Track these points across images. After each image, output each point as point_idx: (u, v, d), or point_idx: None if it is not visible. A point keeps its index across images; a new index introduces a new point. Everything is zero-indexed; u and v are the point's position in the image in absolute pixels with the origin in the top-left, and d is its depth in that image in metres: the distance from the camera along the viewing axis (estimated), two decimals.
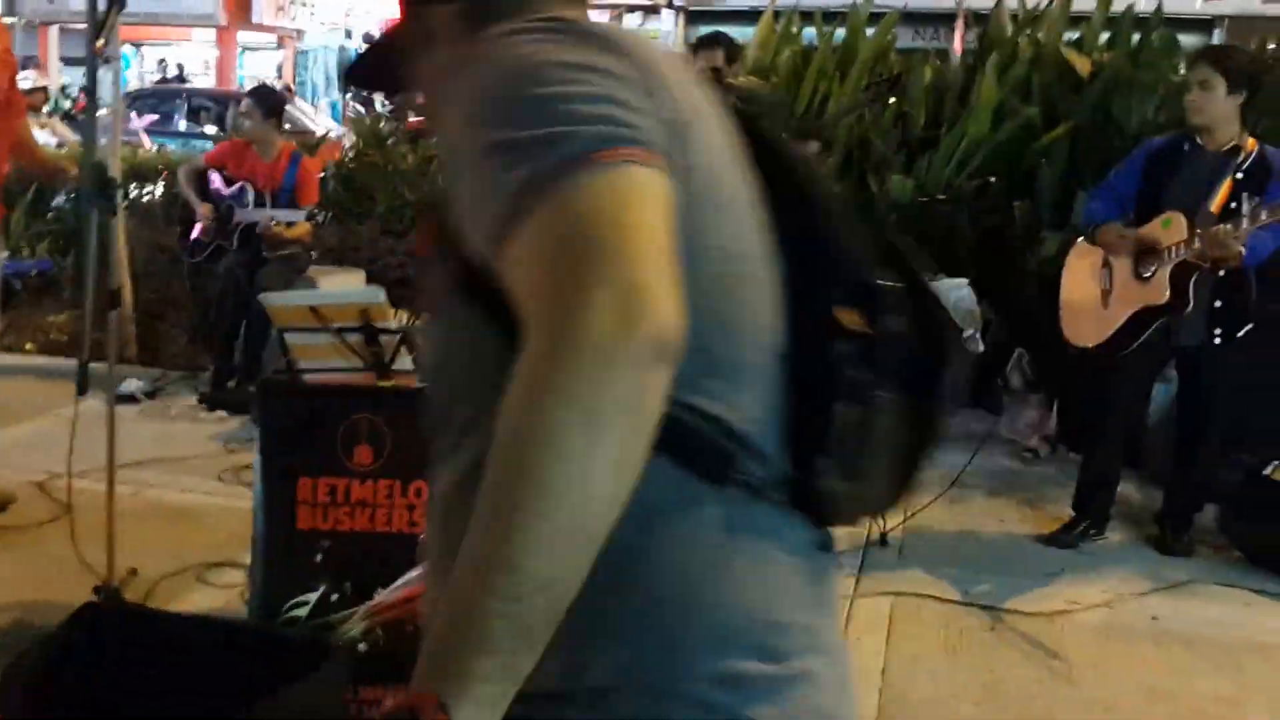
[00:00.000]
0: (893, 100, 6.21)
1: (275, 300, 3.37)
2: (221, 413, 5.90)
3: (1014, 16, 7.12)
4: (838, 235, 1.14)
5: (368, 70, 1.34)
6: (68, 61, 22.64)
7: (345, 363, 3.27)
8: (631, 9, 19.21)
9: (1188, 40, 8.13)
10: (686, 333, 0.90)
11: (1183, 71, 5.78)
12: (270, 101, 6.55)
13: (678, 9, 18.37)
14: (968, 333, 5.55)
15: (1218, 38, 12.65)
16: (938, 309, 1.16)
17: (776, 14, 8.44)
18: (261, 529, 3.16)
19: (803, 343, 1.09)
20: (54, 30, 23.16)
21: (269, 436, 3.20)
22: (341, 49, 23.67)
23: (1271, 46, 7.85)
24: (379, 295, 3.27)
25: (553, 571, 0.87)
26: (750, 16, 15.43)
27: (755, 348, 1.08)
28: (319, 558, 3.09)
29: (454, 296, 1.07)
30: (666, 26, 18.60)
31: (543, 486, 0.86)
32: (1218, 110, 4.12)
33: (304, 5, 23.32)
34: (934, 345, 1.14)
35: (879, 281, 1.12)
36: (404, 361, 3.25)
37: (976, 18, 8.10)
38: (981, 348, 5.39)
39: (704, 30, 16.99)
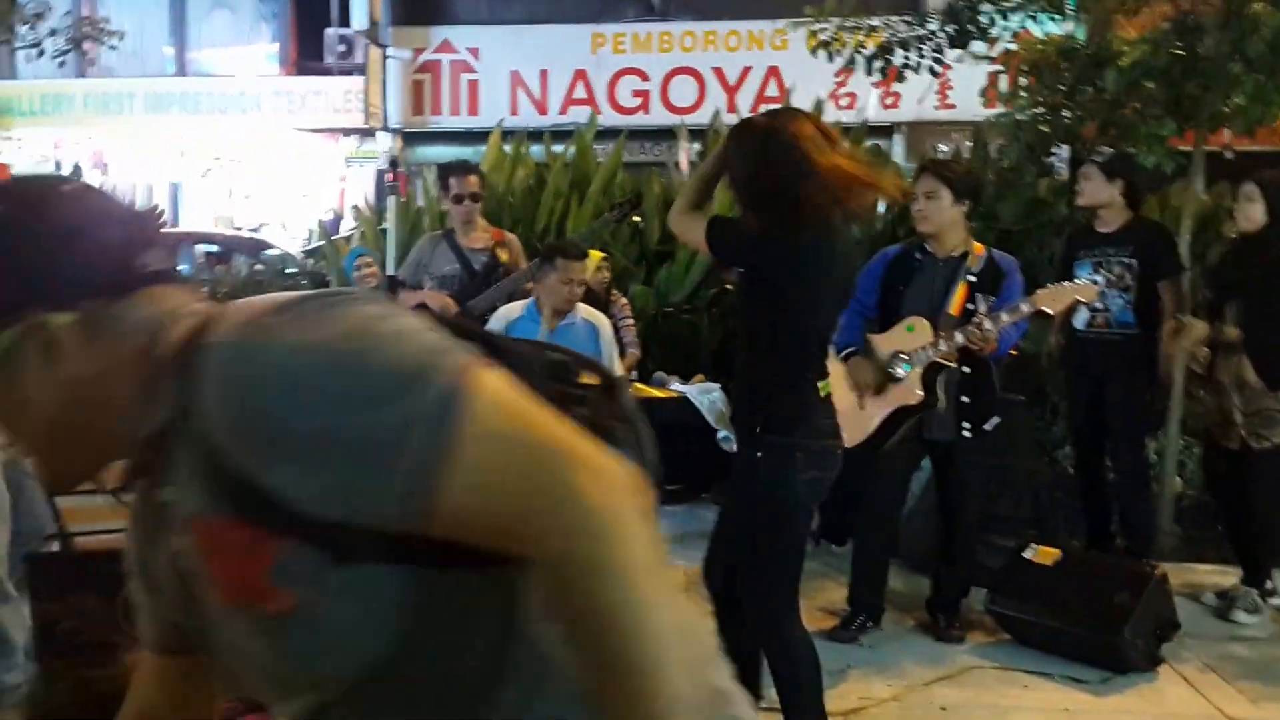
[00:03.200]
0: (636, 218, 6.11)
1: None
2: None
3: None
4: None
5: None
6: None
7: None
8: (347, 132, 18.73)
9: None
10: None
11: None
12: None
13: (394, 130, 18.02)
14: (721, 434, 5.45)
15: (898, 143, 13.40)
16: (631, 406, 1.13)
17: (505, 134, 8.29)
18: None
19: None
20: None
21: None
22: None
23: (943, 148, 8.31)
24: None
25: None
26: (466, 137, 15.35)
27: None
28: None
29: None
30: (382, 147, 18.20)
31: (656, 647, 0.92)
32: (945, 218, 4.17)
33: (10, 139, 21.58)
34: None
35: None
36: None
37: (694, 133, 8.21)
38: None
39: (422, 151, 16.78)
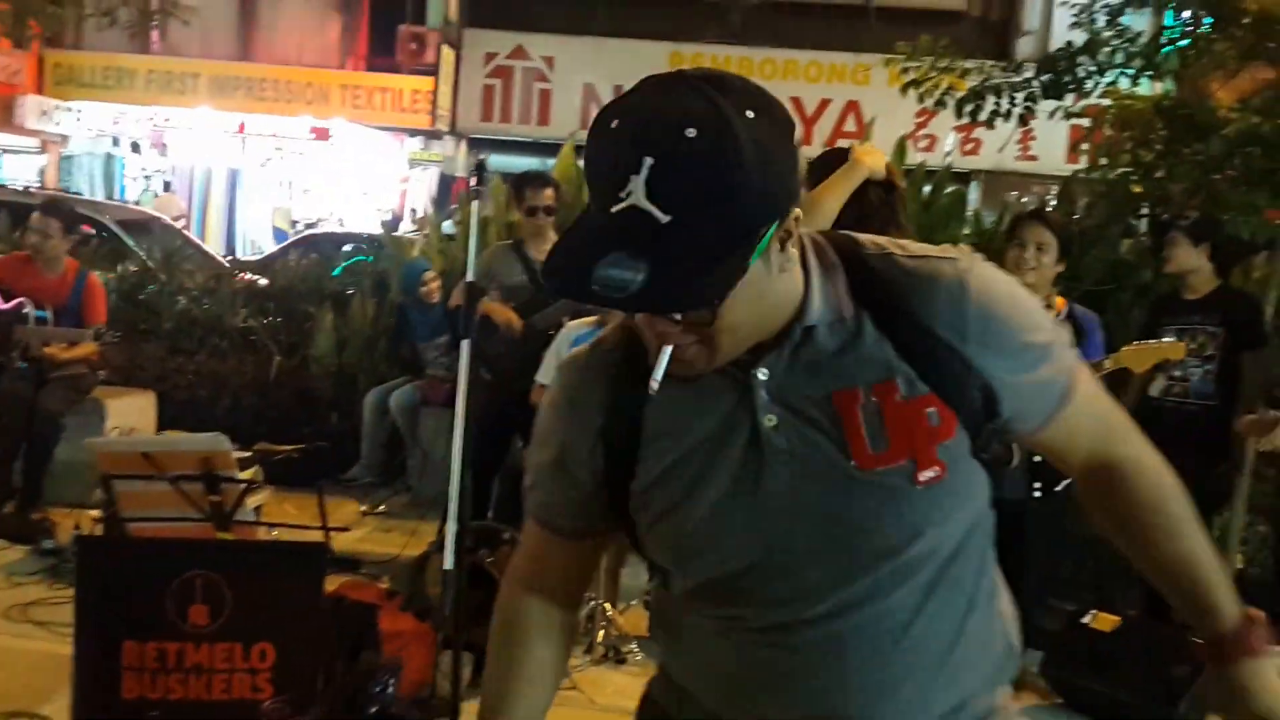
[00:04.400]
0: None
1: (104, 444, 2.97)
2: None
3: (809, 163, 7.32)
4: None
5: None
6: None
7: (179, 513, 2.91)
8: (413, 132, 19.03)
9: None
10: None
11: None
12: (68, 216, 6.06)
13: (459, 135, 18.28)
14: None
15: (974, 190, 13.48)
16: None
17: (578, 148, 8.45)
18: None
19: None
20: None
21: (86, 595, 2.80)
22: (108, 156, 22.51)
23: (1024, 199, 8.37)
24: (223, 443, 2.93)
25: None
26: (533, 147, 15.59)
27: None
28: None
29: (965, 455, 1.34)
30: (448, 151, 18.47)
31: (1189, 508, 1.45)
32: (1048, 271, 4.21)
33: (69, 111, 22.10)
34: None
35: None
36: (246, 513, 2.92)
37: None
38: None
39: (486, 157, 17.02)
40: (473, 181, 4.00)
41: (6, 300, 5.85)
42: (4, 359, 5.75)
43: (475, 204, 4.08)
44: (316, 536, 3.24)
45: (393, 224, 15.98)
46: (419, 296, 6.86)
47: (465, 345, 3.51)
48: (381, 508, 6.53)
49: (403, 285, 7.12)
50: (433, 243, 8.09)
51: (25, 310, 5.80)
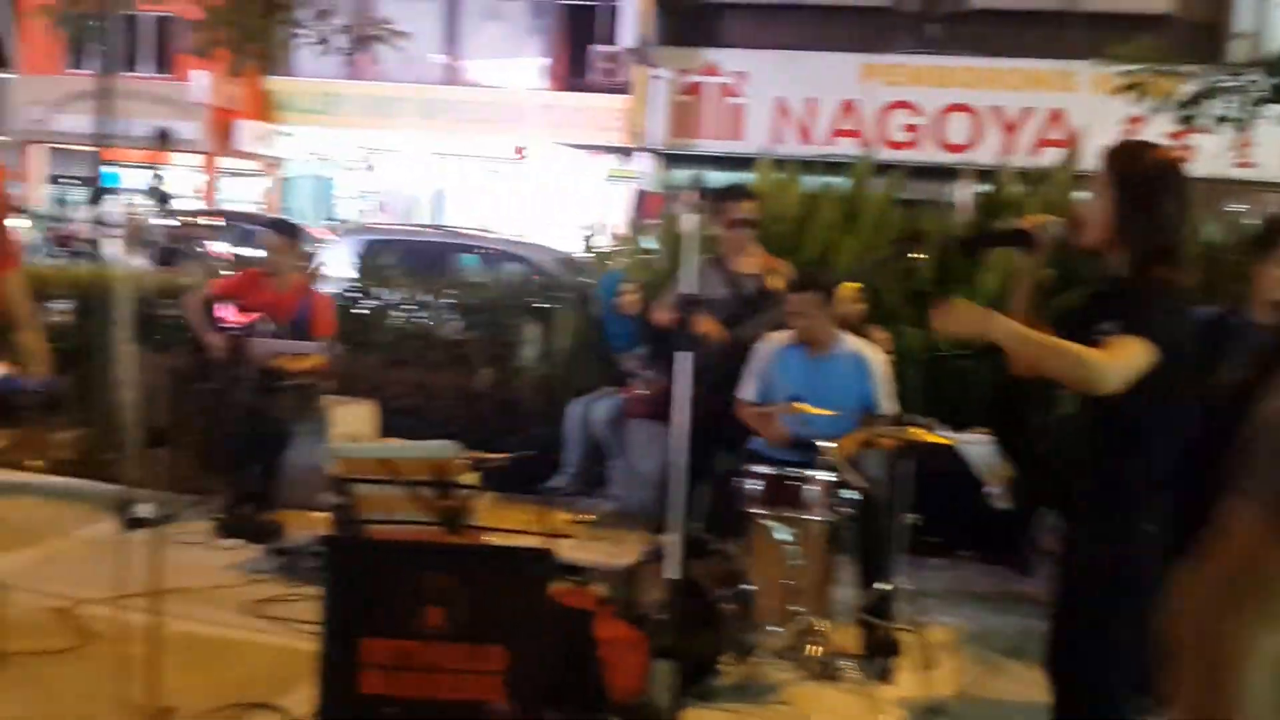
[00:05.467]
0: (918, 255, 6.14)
1: (345, 450, 3.13)
2: (236, 541, 5.61)
3: (1022, 173, 7.14)
4: None
5: None
6: (56, 180, 22.43)
7: (414, 516, 3.04)
8: (608, 149, 19.36)
9: None
10: None
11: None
12: (293, 234, 6.42)
13: (653, 151, 18.50)
14: (992, 489, 5.38)
15: None
16: None
17: (778, 162, 8.45)
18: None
19: None
20: (43, 148, 22.98)
21: (331, 591, 2.94)
22: (318, 178, 23.65)
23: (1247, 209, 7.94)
24: (452, 450, 3.05)
25: None
26: (726, 162, 15.64)
27: None
28: None
29: None
30: (642, 167, 18.72)
31: None
32: None
33: (284, 135, 23.32)
34: None
35: None
36: (477, 518, 3.03)
37: (980, 174, 8.15)
38: (1007, 505, 5.22)
39: (680, 174, 17.15)
40: (683, 197, 4.03)
41: (241, 314, 6.21)
42: (239, 370, 6.10)
43: (689, 218, 4.12)
44: (536, 543, 3.32)
45: (590, 239, 16.24)
46: (616, 308, 6.96)
47: (681, 358, 3.55)
48: (589, 516, 6.64)
49: (601, 297, 7.23)
50: (631, 257, 8.21)
51: (258, 324, 6.14)
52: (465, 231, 14.47)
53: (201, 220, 16.88)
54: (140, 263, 7.16)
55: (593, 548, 5.89)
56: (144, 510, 5.73)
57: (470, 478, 3.21)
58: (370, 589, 2.85)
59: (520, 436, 7.12)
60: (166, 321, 7.69)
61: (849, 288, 5.71)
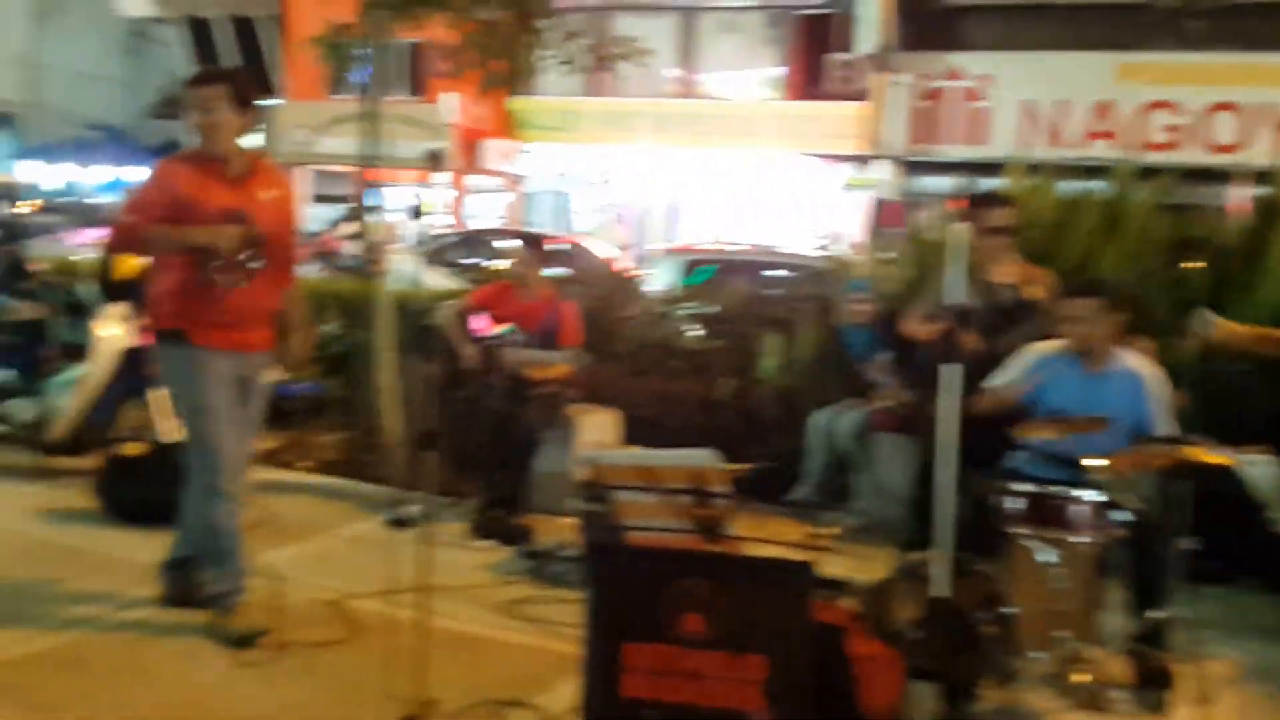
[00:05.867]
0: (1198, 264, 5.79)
1: (605, 457, 3.18)
2: (488, 542, 5.80)
3: None
4: None
5: None
6: (319, 199, 23.86)
7: (672, 524, 3.05)
8: (846, 158, 19.14)
9: None
10: None
11: None
12: (541, 247, 6.62)
13: (892, 159, 18.17)
14: (1275, 513, 5.01)
15: None
16: None
17: (1033, 167, 8.13)
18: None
19: None
20: (306, 170, 24.46)
21: (595, 595, 2.98)
22: (560, 193, 24.30)
23: None
24: (712, 459, 3.04)
25: None
26: (969, 168, 15.19)
27: None
28: None
29: None
30: (882, 175, 18.41)
31: None
32: None
33: (526, 152, 24.09)
34: None
35: None
36: (745, 528, 3.01)
37: (1257, 176, 7.64)
38: None
39: (921, 181, 16.79)
40: (950, 205, 3.92)
41: (495, 324, 6.43)
42: (490, 378, 6.31)
43: (959, 227, 4.00)
44: (797, 555, 3.28)
45: (828, 249, 16.09)
46: (854, 316, 6.85)
47: (948, 371, 3.44)
48: (834, 530, 6.53)
49: (842, 305, 7.15)
50: (873, 267, 8.07)
51: (508, 334, 6.35)
52: (778, 250, 14.67)
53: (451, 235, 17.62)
54: (406, 274, 7.50)
55: (838, 562, 5.79)
56: (406, 510, 6.00)
57: (728, 487, 3.20)
58: (633, 594, 2.87)
59: (761, 447, 7.09)
60: (427, 332, 8.07)
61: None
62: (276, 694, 3.93)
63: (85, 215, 20.75)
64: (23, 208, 17.12)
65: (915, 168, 17.35)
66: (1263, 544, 4.83)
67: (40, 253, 11.38)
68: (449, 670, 3.91)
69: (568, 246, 15.85)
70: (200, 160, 4.35)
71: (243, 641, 4.24)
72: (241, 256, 4.29)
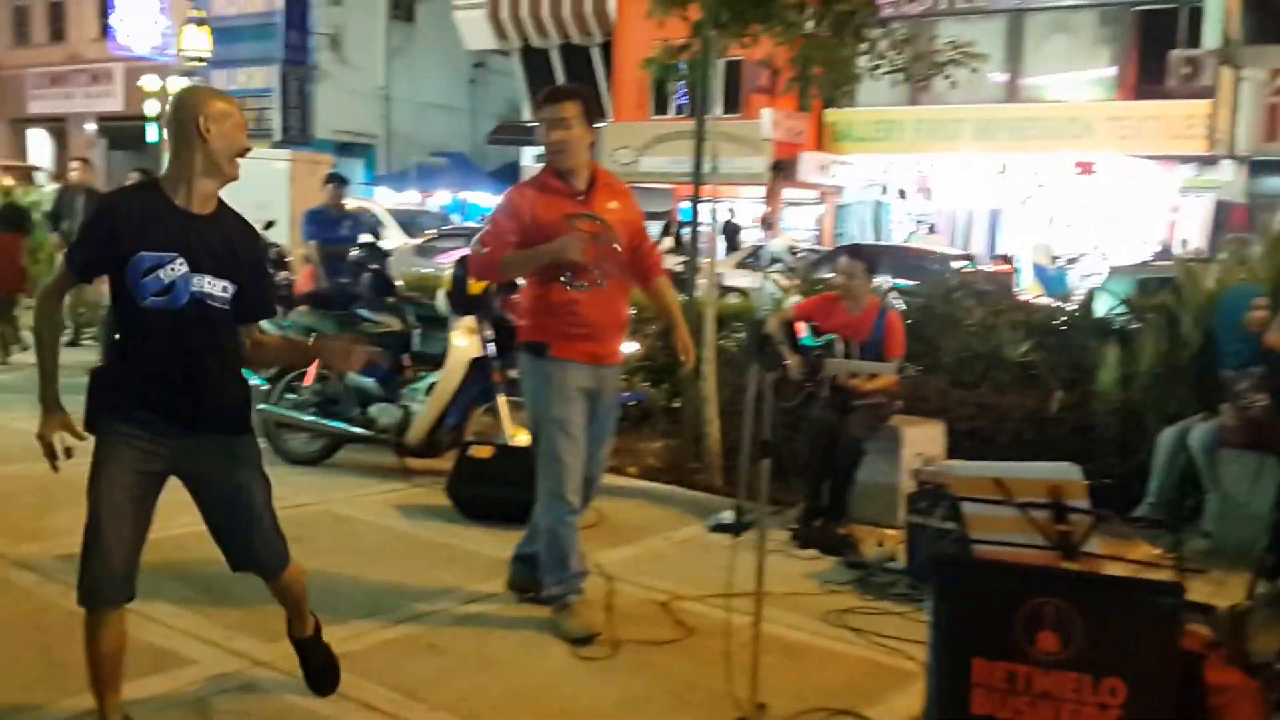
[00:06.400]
0: None
1: (959, 470, 3.07)
2: (811, 551, 5.76)
3: None
4: None
5: None
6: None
7: (1025, 539, 2.90)
8: (1185, 159, 17.87)
9: None
10: None
11: None
12: (868, 260, 6.52)
13: (1238, 159, 16.82)
14: None
15: None
16: None
17: None
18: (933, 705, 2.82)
19: None
20: (631, 187, 25.27)
21: (943, 609, 2.88)
22: (877, 203, 23.96)
23: None
24: (1074, 473, 2.88)
25: None
26: None
27: None
28: None
29: None
30: (1225, 177, 17.08)
31: None
32: None
33: (843, 164, 23.90)
34: None
35: None
36: (1094, 545, 2.83)
37: None
38: None
39: (1272, 182, 15.45)
40: None
41: (817, 336, 6.38)
42: (814, 389, 6.27)
43: None
44: (1147, 574, 3.06)
45: (1161, 255, 15.10)
46: (1239, 324, 6.29)
47: None
48: (1183, 552, 6.08)
49: (1223, 311, 6.60)
50: (1225, 273, 7.48)
51: (834, 345, 6.29)
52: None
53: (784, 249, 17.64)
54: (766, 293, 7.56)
55: (1190, 585, 5.38)
56: (727, 517, 6.05)
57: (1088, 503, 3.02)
58: (984, 609, 2.75)
59: (1096, 463, 6.69)
60: (768, 341, 8.11)
61: None
62: (613, 688, 4.03)
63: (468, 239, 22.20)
64: (418, 238, 18.56)
65: (1259, 167, 15.98)
66: None
67: (404, 270, 12.32)
68: (778, 676, 3.90)
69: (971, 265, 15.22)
70: (547, 180, 4.48)
71: (579, 641, 4.37)
72: (591, 268, 4.40)
